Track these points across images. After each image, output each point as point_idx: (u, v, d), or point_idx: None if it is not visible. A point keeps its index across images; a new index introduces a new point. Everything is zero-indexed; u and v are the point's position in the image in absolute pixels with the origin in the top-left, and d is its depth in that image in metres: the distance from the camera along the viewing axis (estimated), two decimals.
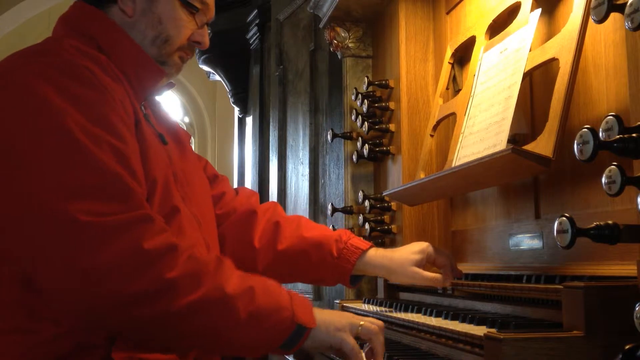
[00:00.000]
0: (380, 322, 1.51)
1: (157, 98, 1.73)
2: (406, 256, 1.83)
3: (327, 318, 1.44)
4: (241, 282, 1.36)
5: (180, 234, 1.47)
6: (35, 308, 1.35)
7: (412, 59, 2.49)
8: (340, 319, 1.46)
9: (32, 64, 1.41)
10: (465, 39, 2.21)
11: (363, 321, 1.47)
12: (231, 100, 5.76)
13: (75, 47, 1.46)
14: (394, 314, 1.96)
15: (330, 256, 1.80)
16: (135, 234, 1.28)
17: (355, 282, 1.87)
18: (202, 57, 5.41)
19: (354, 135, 2.80)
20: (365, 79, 2.68)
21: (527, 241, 1.82)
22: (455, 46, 2.26)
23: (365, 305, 2.34)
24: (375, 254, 1.84)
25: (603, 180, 1.17)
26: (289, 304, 1.38)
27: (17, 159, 1.31)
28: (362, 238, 1.89)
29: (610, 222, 1.19)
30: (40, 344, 1.34)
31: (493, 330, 1.38)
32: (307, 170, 3.83)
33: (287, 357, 2.48)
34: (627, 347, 1.03)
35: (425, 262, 1.85)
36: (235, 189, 1.97)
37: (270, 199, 4.58)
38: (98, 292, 1.26)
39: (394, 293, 2.39)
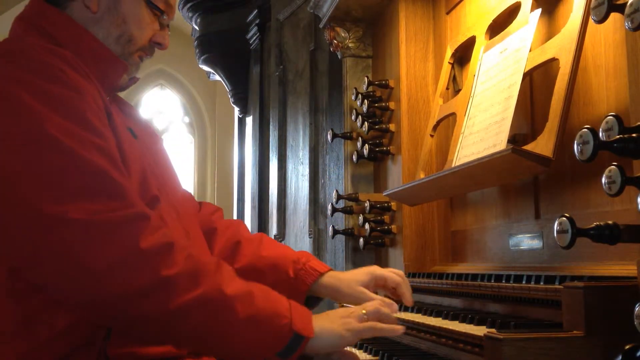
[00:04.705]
0: (388, 302, 1.52)
1: (124, 98, 1.73)
2: (353, 277, 1.72)
3: (327, 326, 1.40)
4: (241, 285, 1.36)
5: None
6: (29, 313, 1.34)
7: (412, 59, 2.49)
8: (345, 319, 1.42)
9: (2, 67, 1.38)
10: (465, 39, 2.21)
11: (365, 309, 1.46)
12: (231, 100, 5.75)
13: (41, 46, 1.43)
14: (394, 314, 1.95)
15: (286, 276, 1.72)
16: (131, 233, 1.28)
17: (313, 304, 1.76)
18: (202, 57, 5.40)
19: (354, 135, 2.80)
20: (365, 79, 2.68)
21: (527, 241, 1.82)
22: (455, 46, 2.26)
23: None
24: (329, 275, 1.73)
25: (603, 180, 1.17)
26: (288, 312, 1.37)
27: (2, 167, 1.30)
28: (322, 262, 1.78)
29: (610, 222, 1.19)
30: (35, 348, 1.34)
31: (493, 330, 1.38)
32: (307, 170, 3.83)
33: None
34: (627, 347, 1.03)
35: (374, 284, 1.72)
36: (199, 202, 1.92)
37: (270, 199, 4.58)
38: (99, 290, 1.27)
39: None
